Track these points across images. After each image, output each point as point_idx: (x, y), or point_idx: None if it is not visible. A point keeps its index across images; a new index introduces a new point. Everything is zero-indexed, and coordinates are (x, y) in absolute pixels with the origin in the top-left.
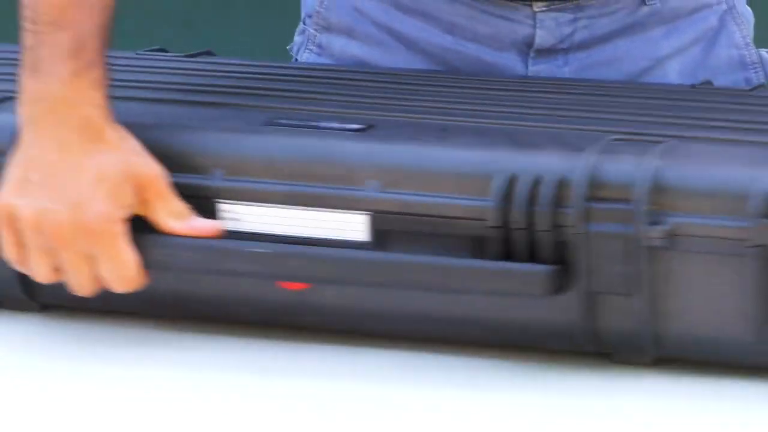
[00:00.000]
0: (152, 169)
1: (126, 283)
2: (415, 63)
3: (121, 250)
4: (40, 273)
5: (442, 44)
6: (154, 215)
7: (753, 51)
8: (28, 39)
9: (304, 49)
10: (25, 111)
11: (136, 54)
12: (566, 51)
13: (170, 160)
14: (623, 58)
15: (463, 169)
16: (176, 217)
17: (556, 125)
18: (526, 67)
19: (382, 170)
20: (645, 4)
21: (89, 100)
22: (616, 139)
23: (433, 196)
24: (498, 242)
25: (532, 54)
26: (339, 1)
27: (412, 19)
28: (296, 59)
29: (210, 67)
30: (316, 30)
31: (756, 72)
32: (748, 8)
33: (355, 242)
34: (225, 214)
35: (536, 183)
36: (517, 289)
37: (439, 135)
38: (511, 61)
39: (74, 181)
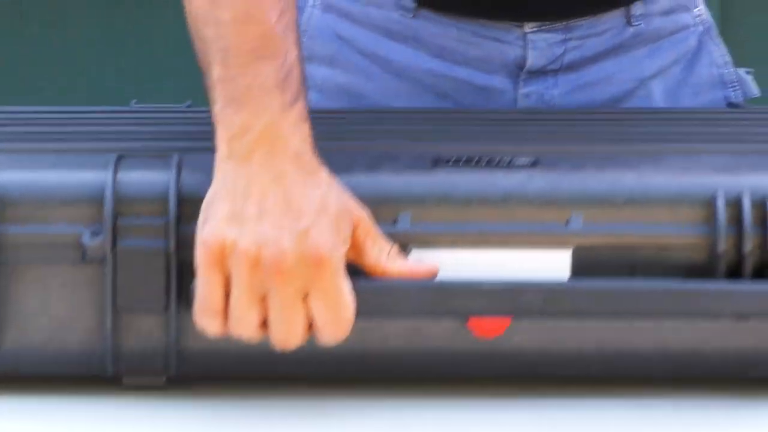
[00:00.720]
0: (362, 209)
1: (339, 329)
2: (401, 90)
3: (341, 287)
4: (247, 325)
5: (431, 69)
6: (366, 256)
7: (732, 70)
8: (218, 71)
9: None
10: (226, 144)
11: (131, 108)
12: (556, 72)
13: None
14: (610, 79)
15: (670, 196)
16: (390, 258)
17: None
18: (516, 89)
19: (583, 203)
20: (631, 25)
21: (298, 133)
22: None
23: (641, 226)
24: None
25: (523, 76)
26: (322, 29)
27: (400, 45)
28: None
29: None
30: None
31: (735, 90)
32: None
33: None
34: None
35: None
36: None
37: (623, 163)
38: (501, 84)
39: (298, 210)
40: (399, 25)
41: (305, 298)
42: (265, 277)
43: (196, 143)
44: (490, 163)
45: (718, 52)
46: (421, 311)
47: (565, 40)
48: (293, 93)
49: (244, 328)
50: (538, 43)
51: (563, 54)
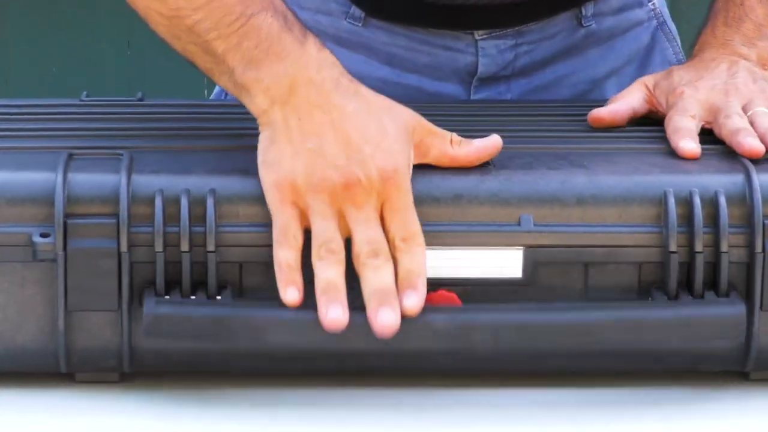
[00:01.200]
0: (412, 111)
1: (416, 249)
2: None
3: (410, 204)
4: (333, 251)
5: (381, 77)
6: (432, 153)
7: None
8: (219, 45)
9: None
10: (264, 96)
11: (81, 100)
12: (508, 78)
13: None
14: (562, 82)
15: (621, 195)
16: (454, 146)
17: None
18: (469, 95)
19: (534, 203)
20: (582, 26)
21: (325, 60)
22: None
23: (593, 226)
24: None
25: (474, 82)
26: None
27: (351, 52)
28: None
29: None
30: None
31: None
32: (673, 23)
33: (509, 279)
34: None
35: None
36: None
37: (578, 163)
38: (453, 91)
39: (358, 139)
40: (349, 33)
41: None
42: (342, 202)
43: (148, 142)
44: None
45: (671, 48)
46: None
47: (516, 46)
48: (299, 29)
49: (330, 256)
50: (489, 50)
51: (514, 59)
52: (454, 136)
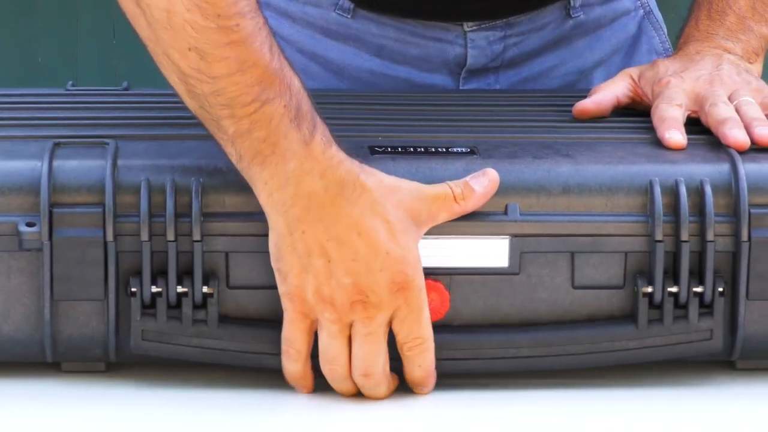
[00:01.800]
0: (417, 189)
1: (426, 350)
2: (342, 89)
3: (424, 304)
4: (338, 366)
5: (370, 68)
6: (447, 214)
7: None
8: (230, 126)
9: None
10: (266, 198)
11: (67, 90)
12: (497, 69)
13: None
14: (550, 74)
15: (607, 184)
16: (462, 202)
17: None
18: (458, 87)
19: (520, 192)
20: (570, 17)
21: (330, 161)
22: None
23: (578, 215)
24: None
25: (463, 74)
26: None
27: (340, 44)
28: None
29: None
30: None
31: None
32: (660, 13)
33: (496, 269)
34: None
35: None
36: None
37: (563, 153)
38: (442, 82)
39: (365, 252)
40: (337, 25)
41: (389, 323)
42: (350, 317)
43: (133, 131)
44: (428, 152)
45: (658, 38)
46: None
47: (505, 37)
48: (309, 123)
49: (334, 373)
50: (478, 41)
51: (503, 51)
52: (455, 188)
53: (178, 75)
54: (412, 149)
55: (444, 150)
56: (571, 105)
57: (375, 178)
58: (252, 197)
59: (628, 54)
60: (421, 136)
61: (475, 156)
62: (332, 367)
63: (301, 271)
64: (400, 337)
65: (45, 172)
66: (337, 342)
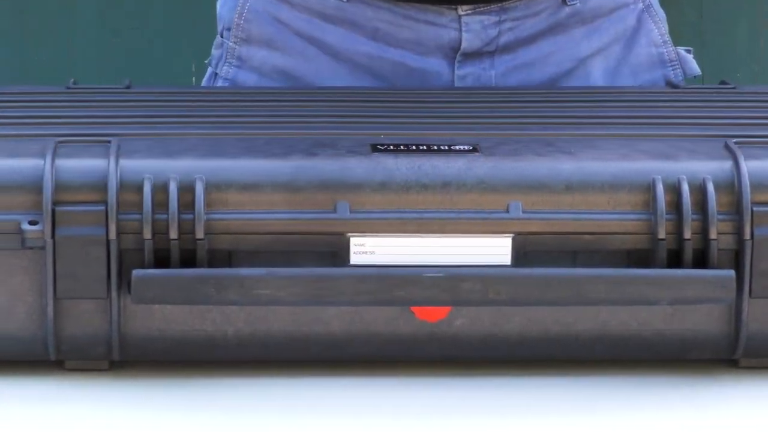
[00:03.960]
0: None
1: None
2: (339, 72)
3: None
4: None
5: (366, 52)
6: None
7: (671, 49)
8: None
9: (223, 63)
10: None
11: (68, 88)
12: (492, 54)
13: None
14: (547, 60)
15: (609, 182)
16: None
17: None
18: (453, 71)
19: (522, 190)
20: (566, 5)
21: None
22: None
23: (580, 213)
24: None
25: (458, 58)
26: (259, 12)
27: (336, 27)
28: (215, 72)
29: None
30: (235, 43)
31: (674, 69)
32: (662, 9)
33: (499, 266)
34: (357, 248)
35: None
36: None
37: (565, 150)
38: (437, 66)
39: None
40: (334, 9)
41: None
42: None
43: (136, 129)
44: (430, 149)
45: (658, 30)
46: (362, 301)
47: (499, 22)
48: None
49: None
50: (473, 25)
51: (498, 35)
52: None
53: None
54: (414, 147)
55: (446, 148)
56: (571, 101)
57: None
58: (255, 194)
59: (627, 45)
60: (422, 133)
61: (477, 153)
62: None
63: None
64: None
65: (47, 170)
66: None
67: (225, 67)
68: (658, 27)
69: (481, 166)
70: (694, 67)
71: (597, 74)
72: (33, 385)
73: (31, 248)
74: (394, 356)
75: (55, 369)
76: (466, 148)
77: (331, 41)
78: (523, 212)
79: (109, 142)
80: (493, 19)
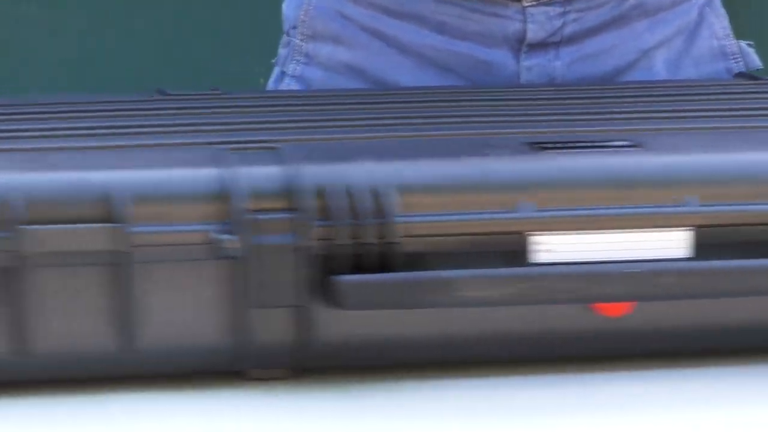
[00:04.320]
0: None
1: None
2: (406, 64)
3: None
4: None
5: (432, 44)
6: None
7: (733, 42)
8: None
9: (290, 60)
10: None
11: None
12: (557, 45)
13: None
14: (611, 51)
15: None
16: None
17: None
18: (518, 62)
19: (696, 182)
20: None
21: None
22: None
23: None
24: None
25: (524, 48)
26: (324, 9)
27: (401, 21)
28: (282, 71)
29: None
30: (301, 40)
31: (737, 62)
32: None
33: (687, 260)
34: (538, 247)
35: None
36: None
37: (723, 139)
38: (503, 57)
39: None
40: (398, 4)
41: None
42: None
43: (291, 134)
44: (593, 146)
45: (719, 24)
46: (551, 300)
47: (564, 13)
48: None
49: None
50: (537, 16)
51: (562, 27)
52: None
53: None
54: (580, 144)
55: (607, 144)
56: (700, 95)
57: None
58: (441, 196)
59: (689, 38)
60: (576, 130)
61: (640, 148)
62: None
63: None
64: None
65: (234, 179)
66: None
67: (292, 65)
68: (719, 20)
69: (650, 161)
70: (756, 60)
71: (659, 65)
72: (217, 396)
73: (224, 258)
74: (578, 353)
75: (236, 380)
76: (627, 143)
77: (396, 35)
78: (702, 205)
79: (278, 148)
80: (558, 10)
